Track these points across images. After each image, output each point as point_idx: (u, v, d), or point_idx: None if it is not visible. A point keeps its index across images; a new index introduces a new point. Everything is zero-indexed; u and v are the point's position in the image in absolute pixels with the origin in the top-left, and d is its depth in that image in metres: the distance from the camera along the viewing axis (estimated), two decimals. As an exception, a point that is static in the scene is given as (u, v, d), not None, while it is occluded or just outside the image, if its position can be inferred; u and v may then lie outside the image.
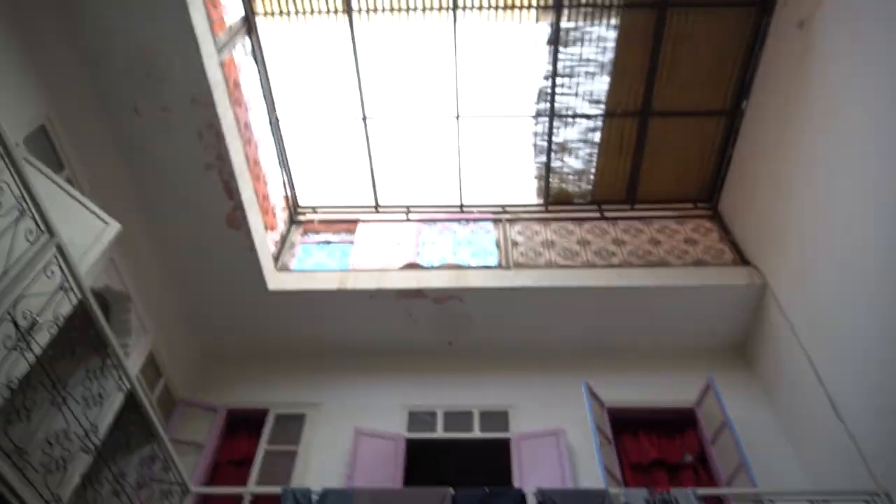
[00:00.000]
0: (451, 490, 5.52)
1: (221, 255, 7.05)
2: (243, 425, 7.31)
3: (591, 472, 6.35)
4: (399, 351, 7.81)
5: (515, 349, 7.73)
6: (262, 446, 7.00)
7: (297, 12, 7.09)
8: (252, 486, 6.39)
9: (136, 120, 6.10)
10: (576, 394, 6.87)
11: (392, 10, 7.06)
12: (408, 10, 7.08)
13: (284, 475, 6.67)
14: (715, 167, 8.19)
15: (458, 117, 7.88)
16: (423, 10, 7.07)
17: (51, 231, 3.77)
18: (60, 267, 3.86)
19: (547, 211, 8.57)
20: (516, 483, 6.40)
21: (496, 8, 7.06)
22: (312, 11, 7.07)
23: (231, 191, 6.60)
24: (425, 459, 7.28)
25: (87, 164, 5.76)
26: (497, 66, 7.57)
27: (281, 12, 7.09)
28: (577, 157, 8.25)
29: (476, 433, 7.11)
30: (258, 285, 7.30)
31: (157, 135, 6.18)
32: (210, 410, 7.30)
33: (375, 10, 7.06)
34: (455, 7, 7.02)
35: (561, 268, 7.63)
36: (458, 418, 7.27)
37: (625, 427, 7.15)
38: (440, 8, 7.05)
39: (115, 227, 5.22)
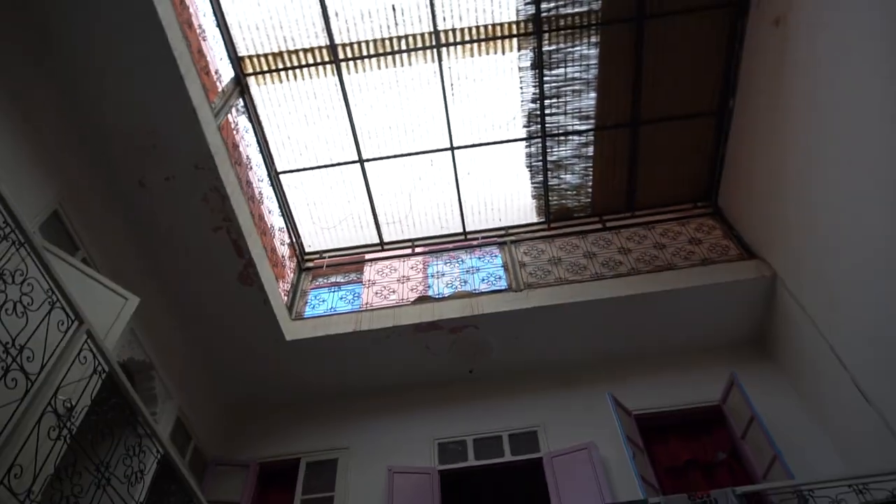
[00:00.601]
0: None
1: (237, 312, 7.15)
2: (276, 478, 7.36)
3: (627, 482, 6.39)
4: (422, 384, 7.90)
5: (537, 368, 7.81)
6: (298, 497, 7.04)
7: (285, 68, 7.28)
8: (294, 538, 6.43)
9: (142, 193, 6.24)
10: (602, 406, 6.93)
11: (378, 55, 7.25)
12: (393, 53, 7.27)
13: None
14: (710, 166, 8.31)
15: (452, 149, 8.04)
16: (409, 51, 7.26)
17: (80, 319, 3.88)
18: (92, 352, 3.96)
19: (550, 228, 8.68)
20: (553, 502, 6.42)
21: (478, 41, 7.25)
22: (301, 66, 7.26)
23: (240, 249, 6.72)
24: (461, 489, 7.32)
25: (100, 242, 5.89)
26: (485, 96, 7.71)
27: (270, 70, 7.28)
28: (572, 172, 8.39)
29: (507, 457, 7.15)
30: (276, 337, 7.39)
31: (164, 204, 6.32)
32: (242, 467, 7.35)
33: (362, 57, 7.25)
34: (438, 45, 7.21)
35: (571, 283, 7.71)
36: (487, 444, 7.32)
37: (654, 432, 7.19)
38: (424, 48, 7.24)
39: (134, 300, 5.35)
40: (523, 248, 8.46)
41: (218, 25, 6.78)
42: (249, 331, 7.32)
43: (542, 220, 8.74)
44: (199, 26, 6.36)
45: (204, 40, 6.42)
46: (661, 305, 7.51)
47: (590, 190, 8.55)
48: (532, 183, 8.48)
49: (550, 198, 8.56)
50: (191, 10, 6.26)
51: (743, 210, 8.04)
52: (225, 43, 6.91)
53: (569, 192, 8.57)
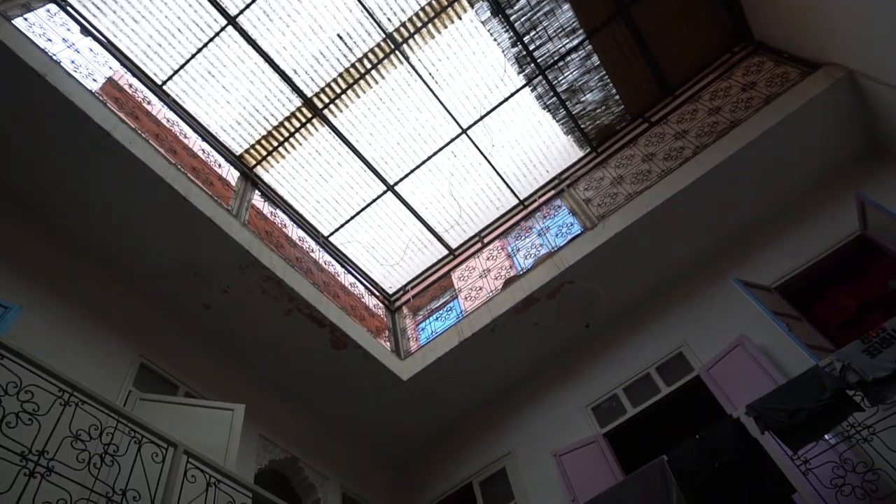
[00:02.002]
0: (664, 457, 5.13)
1: (346, 376, 7.25)
2: (458, 510, 7.31)
3: (796, 356, 5.69)
4: (550, 360, 7.61)
5: (652, 292, 7.28)
6: (486, 517, 6.92)
7: (280, 143, 7.46)
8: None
9: (211, 313, 6.55)
10: (734, 295, 6.31)
11: (350, 85, 7.26)
12: (363, 76, 7.25)
13: (518, 532, 6.54)
14: (726, 5, 7.49)
15: (464, 132, 7.84)
16: (374, 66, 7.21)
17: (171, 443, 4.03)
18: (199, 468, 4.09)
19: (598, 153, 8.17)
20: (728, 411, 5.82)
21: (430, 20, 7.07)
22: (291, 133, 7.42)
23: (318, 320, 6.84)
24: (637, 441, 6.88)
25: (195, 372, 6.21)
26: (466, 66, 7.48)
27: (269, 152, 7.49)
28: (590, 89, 7.89)
29: (664, 390, 6.63)
30: (393, 383, 7.40)
31: (234, 313, 6.59)
32: (426, 512, 7.37)
33: (338, 95, 7.29)
34: (398, 46, 7.11)
35: (641, 192, 7.15)
36: (639, 387, 6.84)
37: (807, 295, 6.43)
38: (387, 55, 7.17)
39: (239, 408, 5.54)
40: (582, 186, 8.00)
41: (204, 139, 7.08)
42: (367, 387, 7.39)
43: (587, 149, 8.25)
44: (185, 147, 6.66)
45: (195, 157, 6.71)
46: (745, 166, 6.73)
47: (617, 97, 7.98)
48: (557, 121, 8.06)
49: (583, 124, 8.08)
50: (173, 134, 6.59)
51: (784, 27, 7.14)
52: (217, 150, 7.18)
53: (598, 110, 8.05)
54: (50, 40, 5.73)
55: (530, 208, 8.39)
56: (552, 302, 7.25)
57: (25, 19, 5.64)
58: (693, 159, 7.00)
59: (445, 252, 8.72)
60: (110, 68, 6.36)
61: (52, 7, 6.15)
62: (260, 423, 6.52)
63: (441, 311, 8.62)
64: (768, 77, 7.22)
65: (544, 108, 7.92)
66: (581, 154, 8.31)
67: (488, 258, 8.31)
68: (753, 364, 6.01)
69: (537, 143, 8.24)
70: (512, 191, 8.42)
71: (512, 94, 7.72)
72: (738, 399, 5.85)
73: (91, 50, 6.25)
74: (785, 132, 6.63)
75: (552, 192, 8.30)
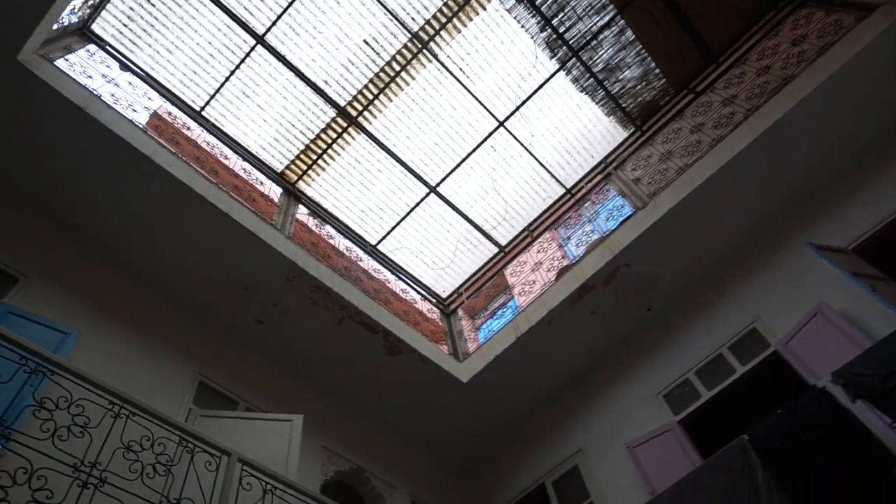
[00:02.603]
0: (744, 437, 4.76)
1: (405, 383, 7.14)
2: (533, 511, 7.03)
3: (884, 317, 5.20)
4: (612, 349, 7.29)
5: (715, 265, 6.87)
6: (562, 518, 6.62)
7: (319, 156, 7.50)
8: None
9: (265, 327, 6.59)
10: (807, 261, 5.89)
11: (382, 90, 7.24)
12: (392, 79, 7.22)
13: (597, 530, 6.21)
14: (763, -40, 7.10)
15: (501, 124, 7.68)
16: (404, 68, 7.17)
17: (225, 451, 3.99)
18: (254, 476, 4.04)
19: (644, 131, 7.84)
20: (812, 383, 5.37)
21: (454, 15, 6.98)
22: (329, 144, 7.45)
23: (371, 326, 6.78)
24: (714, 426, 6.46)
25: (254, 386, 6.24)
26: (497, 57, 7.35)
27: (309, 165, 7.54)
28: (627, 65, 7.60)
29: (739, 369, 6.20)
30: (454, 385, 7.24)
31: (285, 326, 6.61)
32: (499, 517, 7.13)
33: (370, 101, 7.28)
34: (425, 45, 7.06)
35: (692, 165, 6.78)
36: (712, 369, 6.44)
37: (889, 253, 5.90)
38: (415, 55, 7.12)
39: (298, 419, 5.50)
40: (629, 166, 7.68)
41: (244, 159, 7.19)
42: (427, 392, 7.25)
43: (631, 128, 7.93)
44: (226, 168, 6.78)
45: (236, 176, 6.81)
46: (803, 123, 6.29)
47: (657, 71, 7.65)
48: (597, 103, 7.79)
49: (624, 103, 7.78)
50: (213, 156, 6.72)
51: (828, -27, 6.69)
52: (258, 168, 7.28)
53: (638, 87, 7.74)
54: (90, 77, 5.94)
55: (578, 196, 8.12)
56: (609, 288, 6.94)
57: (66, 60, 5.87)
58: (745, 123, 6.60)
59: (495, 250, 8.54)
60: (150, 99, 6.55)
61: (92, 47, 6.40)
62: (322, 435, 6.47)
63: (500, 311, 8.43)
64: (819, 28, 6.75)
65: (582, 91, 7.68)
66: (625, 134, 8.00)
67: (539, 251, 8.07)
68: (836, 331, 5.54)
69: (578, 128, 7.99)
70: (557, 180, 8.18)
71: (546, 80, 7.52)
72: (822, 370, 5.38)
73: (130, 83, 6.45)
74: (843, 83, 6.16)
75: (599, 177, 8.01)
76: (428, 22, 7.02)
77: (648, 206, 6.85)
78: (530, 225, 8.42)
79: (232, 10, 6.62)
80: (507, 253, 8.50)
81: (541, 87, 7.56)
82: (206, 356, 6.10)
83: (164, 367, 5.63)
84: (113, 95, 5.98)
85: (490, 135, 7.75)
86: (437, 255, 8.51)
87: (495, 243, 8.50)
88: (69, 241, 5.76)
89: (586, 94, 7.72)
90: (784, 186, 6.56)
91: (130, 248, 6.00)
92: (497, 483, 7.45)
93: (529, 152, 7.96)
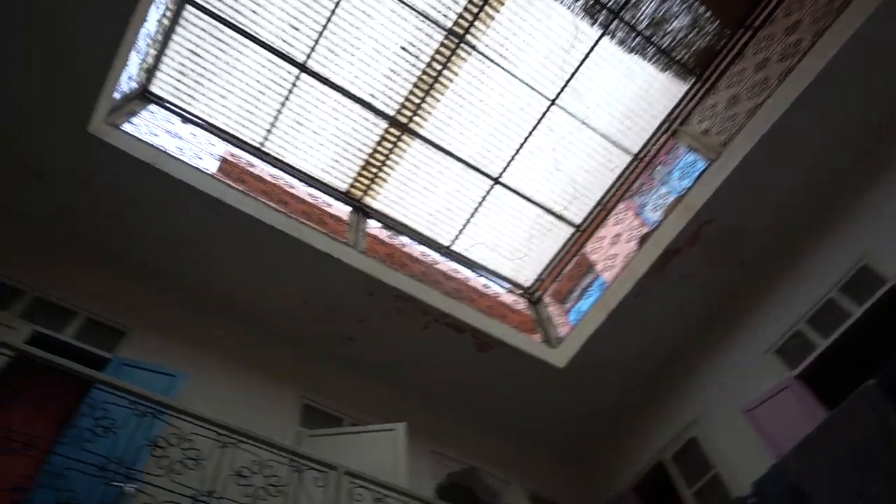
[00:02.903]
0: (869, 382, 4.37)
1: (502, 378, 7.11)
2: (655, 490, 6.76)
3: None
4: (710, 312, 6.97)
5: (809, 203, 6.41)
6: (688, 495, 6.32)
7: (379, 168, 7.60)
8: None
9: (356, 343, 6.74)
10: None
11: (427, 92, 7.25)
12: (436, 79, 7.21)
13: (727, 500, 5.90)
14: None
15: (553, 102, 7.50)
16: (445, 66, 7.14)
17: (331, 466, 4.08)
18: (363, 486, 4.11)
19: (704, 80, 7.43)
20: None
21: (486, 2, 6.89)
22: (387, 156, 7.53)
23: (457, 326, 6.78)
24: (835, 377, 5.98)
25: (355, 402, 6.39)
26: (534, 35, 7.19)
27: (372, 180, 7.65)
28: (675, 15, 7.23)
29: (855, 311, 5.71)
30: (550, 372, 7.12)
31: (375, 339, 6.74)
32: (621, 499, 6.92)
33: (419, 106, 7.30)
34: (462, 39, 7.01)
35: (762, 104, 6.34)
36: (824, 315, 5.99)
37: None
38: (453, 51, 7.08)
39: (401, 426, 5.57)
40: (695, 119, 7.30)
41: (309, 185, 7.40)
42: (525, 383, 7.17)
43: (691, 80, 7.53)
44: (293, 196, 6.99)
45: (303, 203, 7.01)
46: (887, 28, 5.73)
47: (707, 14, 7.23)
48: (649, 61, 7.46)
49: (677, 55, 7.40)
50: (279, 187, 6.95)
51: None
52: (323, 191, 7.47)
53: (690, 35, 7.34)
54: (156, 135, 6.30)
55: (646, 160, 7.80)
56: (695, 248, 6.61)
57: (132, 123, 6.26)
58: (814, 48, 6.10)
59: (571, 230, 8.33)
60: (212, 144, 6.87)
61: (153, 107, 6.78)
62: (429, 440, 6.54)
63: (588, 291, 8.22)
64: (882, -74, 6.15)
65: (630, 52, 7.37)
66: (685, 87, 7.61)
67: (615, 223, 7.81)
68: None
69: (634, 91, 7.68)
70: (622, 148, 7.89)
71: (591, 48, 7.27)
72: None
73: (193, 134, 6.79)
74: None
75: (665, 136, 7.66)
76: (460, 15, 6.97)
77: (722, 156, 6.47)
78: (602, 198, 8.16)
79: (272, 45, 6.83)
80: (584, 231, 8.27)
81: (587, 56, 7.32)
82: (306, 379, 6.31)
83: (268, 395, 5.87)
84: (179, 148, 6.31)
85: (543, 115, 7.58)
86: (512, 246, 8.40)
87: (569, 223, 8.30)
88: (165, 292, 6.12)
89: (636, 53, 7.40)
90: (877, 104, 6.00)
91: (220, 288, 6.30)
92: (613, 466, 7.26)
93: (587, 125, 7.72)
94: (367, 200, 7.78)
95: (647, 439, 7.00)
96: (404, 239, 7.83)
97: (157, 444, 3.57)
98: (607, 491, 7.07)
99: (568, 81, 7.43)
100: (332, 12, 6.75)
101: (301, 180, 7.40)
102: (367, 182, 7.69)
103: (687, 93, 7.60)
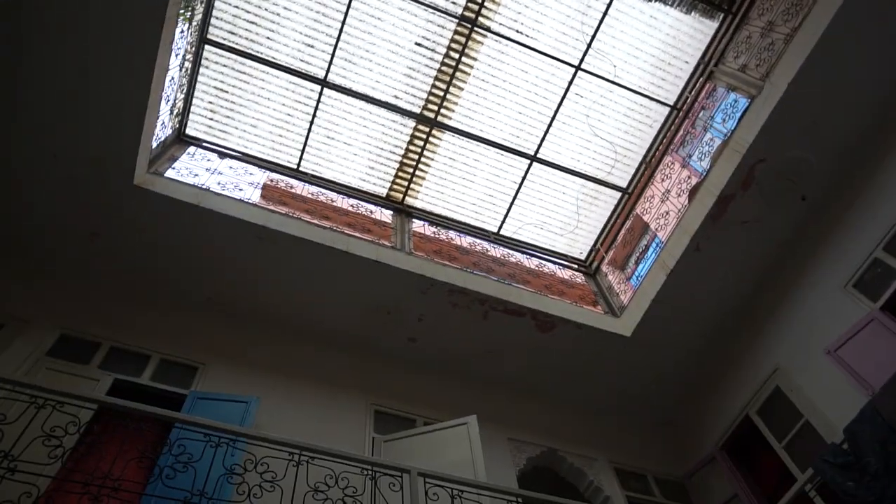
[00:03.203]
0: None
1: (569, 355, 7.06)
2: (744, 446, 6.55)
3: None
4: (777, 255, 6.68)
5: (868, 122, 6.06)
6: (778, 447, 6.05)
7: (415, 167, 7.63)
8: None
9: (419, 344, 6.82)
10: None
11: (451, 83, 7.19)
12: (456, 69, 7.14)
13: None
14: None
15: (578, 68, 7.30)
16: (463, 53, 7.06)
17: (403, 469, 4.15)
18: (438, 485, 4.16)
19: (734, 14, 7.02)
20: None
21: (489, -18, 6.78)
22: (421, 153, 7.53)
23: (515, 311, 6.76)
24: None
25: (424, 401, 6.49)
26: (550, 4, 7.00)
27: (410, 179, 7.69)
28: (690, -48, 6.87)
29: (935, 229, 5.31)
30: (619, 342, 7.01)
31: (436, 336, 6.82)
32: (709, 463, 6.73)
33: (443, 98, 7.25)
34: (475, 22, 6.92)
35: (802, 24, 5.94)
36: (900, 239, 5.60)
37: None
38: (468, 36, 6.99)
39: (472, 419, 5.60)
40: (731, 56, 6.94)
41: (349, 196, 7.52)
42: (594, 357, 7.08)
43: (720, 16, 7.14)
44: (336, 209, 7.12)
45: (346, 214, 7.12)
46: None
47: (725, -58, 6.84)
48: (671, 5, 7.12)
49: (700, -7, 7.04)
50: (321, 203, 7.09)
51: None
52: (364, 200, 7.58)
53: (711, -31, 6.96)
54: (196, 175, 6.56)
55: (685, 108, 7.48)
56: (750, 191, 6.32)
57: (174, 168, 6.54)
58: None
59: (618, 195, 8.11)
60: (251, 174, 7.08)
61: (191, 149, 7.06)
62: (505, 428, 6.55)
63: (647, 253, 7.98)
64: None
65: (649, 0, 7.07)
66: (715, 25, 7.22)
67: (662, 179, 7.54)
68: None
69: (661, 39, 7.35)
70: (658, 100, 7.59)
71: (609, 4, 7.00)
72: None
73: (231, 167, 7.02)
74: None
75: (702, 80, 7.31)
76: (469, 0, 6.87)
77: (765, 90, 6.14)
78: (646, 156, 7.89)
79: (291, 67, 6.96)
80: (631, 194, 8.03)
81: (605, 13, 7.06)
82: (374, 385, 6.43)
83: (339, 406, 6.03)
84: (219, 183, 6.54)
85: (571, 82, 7.38)
86: (561, 221, 8.26)
87: (615, 188, 8.08)
88: (230, 322, 6.37)
89: (656, 0, 7.09)
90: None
91: (279, 310, 6.50)
92: (697, 427, 7.06)
93: (618, 84, 7.47)
94: (409, 200, 7.84)
95: (730, 395, 6.76)
96: (451, 232, 7.84)
97: (233, 471, 3.74)
98: (696, 454, 6.87)
99: (590, 43, 7.20)
100: (343, 23, 6.79)
101: (341, 193, 7.53)
102: (405, 183, 7.74)
103: (717, 30, 7.21)
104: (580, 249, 8.49)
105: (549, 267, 8.06)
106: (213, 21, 6.64)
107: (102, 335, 5.63)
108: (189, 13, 6.19)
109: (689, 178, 7.10)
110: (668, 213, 7.22)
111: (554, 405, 7.15)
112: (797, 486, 5.41)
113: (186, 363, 5.81)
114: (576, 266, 8.35)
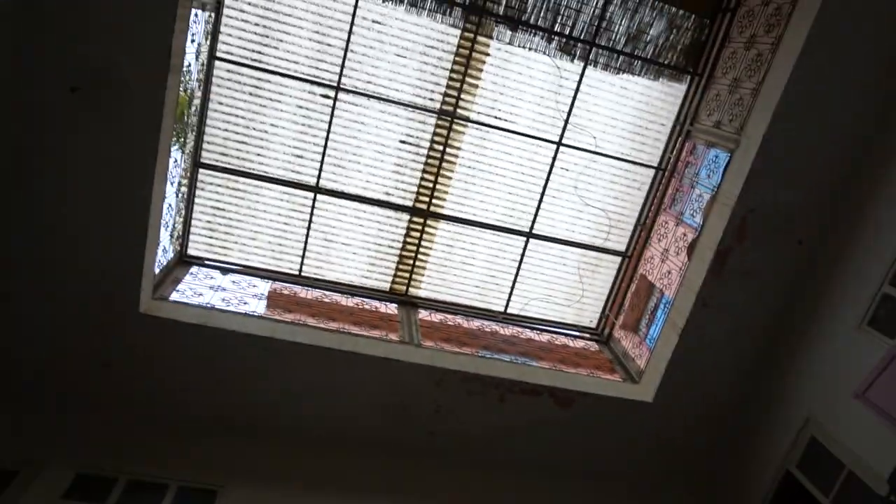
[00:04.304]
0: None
1: (593, 428, 6.90)
2: None
3: None
4: (785, 301, 6.67)
5: (850, 154, 6.11)
6: (824, 501, 5.78)
7: (414, 258, 7.73)
8: None
9: (437, 437, 6.66)
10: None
11: (435, 174, 7.42)
12: (440, 159, 7.36)
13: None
14: None
15: (560, 143, 7.52)
16: (445, 143, 7.31)
17: None
18: None
19: (699, 75, 7.29)
20: None
21: (465, 76, 7.10)
22: (418, 244, 7.65)
23: (531, 390, 6.63)
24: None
25: (456, 492, 6.24)
26: (524, 89, 7.31)
27: (409, 271, 7.78)
28: (649, 24, 7.21)
29: (936, 257, 5.29)
30: (641, 408, 6.83)
31: (456, 426, 6.67)
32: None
33: (431, 189, 7.44)
34: (452, 114, 7.21)
35: (766, 77, 6.16)
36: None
37: None
38: (448, 129, 7.26)
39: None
40: (703, 114, 7.18)
41: (353, 295, 7.57)
42: (618, 426, 6.94)
43: (686, 78, 7.42)
44: (341, 309, 7.16)
45: (352, 313, 7.15)
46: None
47: (681, 12, 7.19)
48: (639, 75, 7.42)
49: (665, 59, 7.34)
50: (326, 305, 7.14)
51: None
52: (367, 297, 7.62)
53: (672, 37, 7.29)
54: (201, 294, 6.66)
55: (670, 168, 7.65)
56: (746, 242, 6.35)
57: (178, 290, 6.64)
58: (798, 5, 5.96)
59: (619, 259, 8.15)
60: (254, 286, 7.18)
61: (194, 269, 7.20)
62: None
63: (658, 313, 7.93)
64: None
65: (618, 73, 7.36)
66: (684, 87, 7.50)
67: (659, 238, 7.60)
68: None
69: (634, 107, 7.61)
70: (641, 164, 7.77)
71: (579, 83, 7.31)
72: None
73: (234, 282, 7.14)
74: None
75: (680, 140, 7.51)
76: (445, 94, 7.18)
77: (742, 143, 6.29)
78: (640, 218, 7.99)
79: (283, 178, 7.19)
80: (631, 257, 8.08)
81: (577, 91, 7.35)
82: (399, 485, 6.24)
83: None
84: (224, 300, 6.63)
85: (555, 158, 7.58)
86: (566, 292, 8.27)
87: (614, 252, 8.13)
88: (246, 440, 6.24)
89: (623, 72, 7.39)
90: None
91: (295, 421, 6.41)
92: (736, 488, 6.76)
93: (600, 153, 7.67)
94: (412, 291, 7.89)
95: (766, 451, 6.52)
96: (458, 318, 7.84)
97: None
98: (743, 515, 6.57)
99: (567, 120, 7.46)
100: (328, 132, 7.08)
101: (344, 293, 7.59)
102: (406, 274, 7.82)
103: (687, 92, 7.48)
104: (590, 318, 8.45)
105: (562, 340, 7.99)
106: (204, 146, 6.93)
107: (118, 468, 5.54)
108: (182, 141, 6.48)
109: (685, 234, 7.16)
110: (670, 272, 7.23)
111: (583, 480, 6.89)
112: (852, 543, 5.13)
113: (205, 488, 5.68)
114: (588, 335, 8.28)
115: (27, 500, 5.03)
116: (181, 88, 6.00)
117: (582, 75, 7.32)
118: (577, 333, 8.25)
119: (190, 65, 6.22)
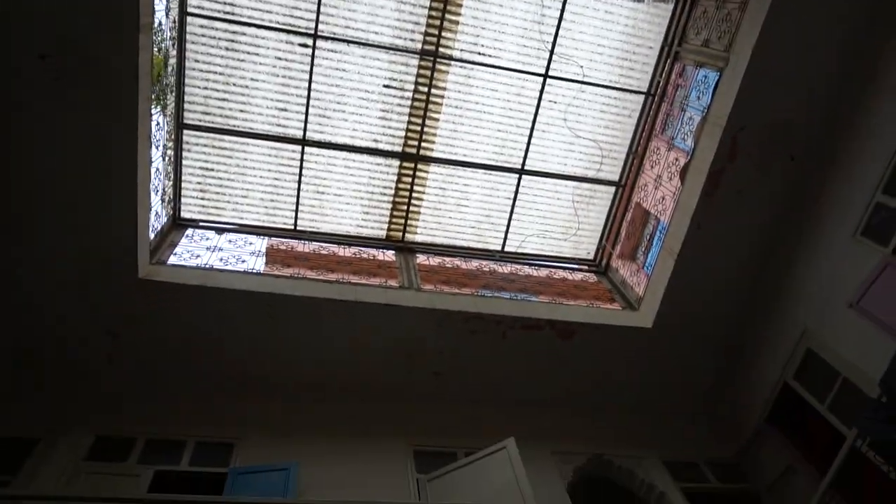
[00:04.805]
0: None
1: (595, 357, 7.04)
2: (789, 416, 6.43)
3: None
4: (777, 216, 6.67)
5: (841, 67, 5.99)
6: (820, 408, 5.95)
7: (408, 204, 7.72)
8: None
9: (445, 377, 6.83)
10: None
11: (422, 115, 7.31)
12: (426, 101, 7.26)
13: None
14: None
15: (546, 75, 7.39)
16: (430, 84, 7.19)
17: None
18: None
19: (686, -8, 7.08)
20: None
21: (444, 13, 6.91)
22: (410, 190, 7.63)
23: (533, 325, 6.75)
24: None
25: (461, 432, 6.46)
26: (506, 21, 7.13)
27: (404, 217, 7.78)
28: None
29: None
30: (642, 334, 6.95)
31: (461, 366, 6.85)
32: (759, 436, 6.62)
33: (419, 132, 7.37)
34: (435, 54, 7.05)
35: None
36: (898, 178, 5.54)
37: None
38: (432, 69, 7.11)
39: (510, 442, 5.59)
40: (691, 34, 7.02)
41: (350, 245, 7.60)
42: (620, 354, 7.09)
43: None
44: (339, 260, 7.20)
45: (349, 263, 7.20)
46: None
47: (662, -74, 6.94)
48: (623, -3, 7.21)
49: (649, -20, 7.12)
50: (324, 257, 7.19)
51: None
52: (364, 245, 7.66)
53: None
54: (198, 256, 6.70)
55: (659, 92, 7.52)
56: (737, 161, 6.32)
57: (175, 254, 6.68)
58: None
59: (613, 189, 8.13)
60: (251, 244, 7.21)
61: (189, 231, 7.21)
62: (547, 442, 6.51)
63: (655, 239, 7.96)
64: None
65: (601, -4, 7.16)
66: (671, 6, 7.29)
67: (652, 165, 7.56)
68: None
69: (621, 32, 7.42)
70: (630, 90, 7.65)
71: (562, 11, 7.10)
72: None
73: (230, 241, 7.17)
74: None
75: (669, 62, 7.36)
76: (425, 33, 7.01)
77: (731, 61, 6.18)
78: (632, 146, 7.92)
79: (269, 133, 7.11)
80: (625, 186, 8.05)
81: (560, 20, 7.15)
82: (409, 427, 6.44)
83: (378, 454, 6.03)
84: (222, 259, 6.67)
85: (542, 91, 7.46)
86: (562, 226, 8.28)
87: (608, 183, 8.11)
88: (257, 394, 6.41)
89: (608, -5, 7.18)
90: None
91: (304, 372, 6.57)
92: (738, 404, 6.98)
93: (588, 83, 7.54)
94: (409, 237, 7.91)
95: (764, 366, 6.68)
96: (456, 259, 7.89)
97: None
98: (742, 432, 6.77)
99: (552, 50, 7.29)
100: (310, 82, 6.95)
101: (341, 244, 7.63)
102: (401, 220, 7.83)
103: (674, 12, 7.28)
104: (587, 250, 8.50)
105: (561, 274, 8.07)
106: (186, 106, 6.82)
107: (136, 430, 5.73)
108: (163, 104, 6.38)
109: (677, 159, 7.12)
110: (664, 198, 7.23)
111: (592, 411, 7.09)
112: (847, 445, 5.29)
113: (222, 442, 5.87)
114: (586, 267, 8.36)
115: (51, 464, 5.22)
116: (154, 48, 5.86)
117: (565, 2, 7.12)
118: (575, 266, 8.32)
119: (161, 23, 6.05)
